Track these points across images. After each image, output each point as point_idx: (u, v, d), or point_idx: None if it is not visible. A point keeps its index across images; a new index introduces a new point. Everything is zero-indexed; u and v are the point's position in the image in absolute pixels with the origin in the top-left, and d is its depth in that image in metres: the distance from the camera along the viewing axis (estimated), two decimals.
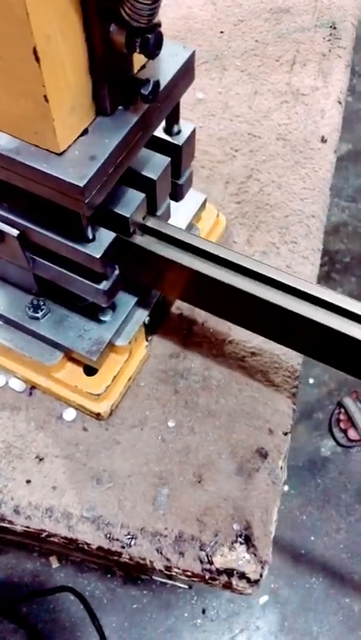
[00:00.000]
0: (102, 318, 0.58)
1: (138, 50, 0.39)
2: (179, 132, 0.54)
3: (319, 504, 1.62)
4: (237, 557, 0.54)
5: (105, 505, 0.55)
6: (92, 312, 0.58)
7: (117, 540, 0.54)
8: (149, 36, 0.38)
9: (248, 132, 0.80)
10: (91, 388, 0.58)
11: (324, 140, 0.79)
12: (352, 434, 1.65)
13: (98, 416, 0.59)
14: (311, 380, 1.78)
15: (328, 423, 1.71)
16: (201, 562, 0.54)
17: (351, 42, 0.90)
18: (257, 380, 0.62)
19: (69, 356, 0.59)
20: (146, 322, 0.61)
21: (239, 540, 0.54)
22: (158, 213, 0.55)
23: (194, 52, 0.47)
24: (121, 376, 0.60)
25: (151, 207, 0.54)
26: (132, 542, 0.54)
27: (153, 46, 0.38)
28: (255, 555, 0.54)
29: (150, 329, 0.63)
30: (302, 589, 1.52)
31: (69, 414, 0.59)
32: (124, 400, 0.60)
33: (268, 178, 0.75)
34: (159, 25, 0.38)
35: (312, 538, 1.57)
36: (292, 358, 0.64)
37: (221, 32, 0.90)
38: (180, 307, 0.66)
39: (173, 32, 0.90)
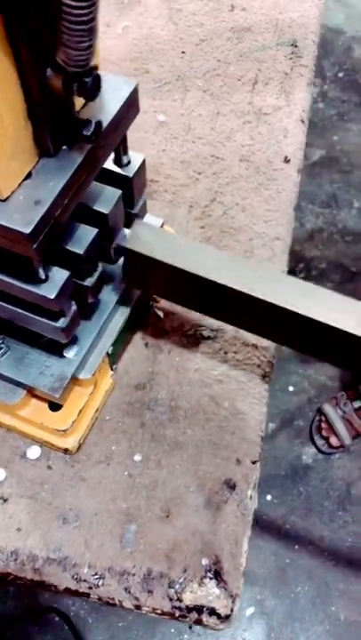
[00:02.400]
0: (65, 354, 0.57)
1: (76, 93, 0.39)
2: (128, 162, 0.53)
3: (302, 512, 1.62)
4: (207, 593, 0.53)
5: (71, 545, 0.54)
6: (54, 347, 0.57)
7: (85, 580, 0.53)
8: (87, 79, 0.38)
9: (211, 155, 0.79)
10: (57, 424, 0.57)
11: (287, 161, 0.79)
12: (334, 441, 1.66)
13: (66, 451, 0.59)
14: (291, 388, 1.79)
15: (309, 430, 1.72)
16: (170, 599, 0.53)
17: (313, 59, 0.90)
18: (224, 409, 0.62)
19: (33, 392, 0.58)
20: (109, 352, 0.60)
21: (208, 575, 0.54)
22: (114, 246, 0.54)
23: (137, 86, 0.47)
24: (87, 409, 0.60)
25: (106, 240, 0.53)
26: (100, 582, 0.53)
27: (91, 90, 0.38)
28: (225, 589, 0.54)
29: (115, 357, 0.62)
30: (288, 599, 1.52)
31: (33, 452, 0.59)
32: (90, 435, 0.60)
33: (231, 200, 0.75)
34: (96, 68, 0.38)
35: (296, 547, 1.58)
36: (258, 384, 0.64)
37: (183, 52, 0.90)
38: (144, 336, 0.66)
39: (135, 53, 0.89)
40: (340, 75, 2.37)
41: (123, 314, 0.61)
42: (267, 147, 0.80)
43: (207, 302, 0.55)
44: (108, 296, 0.60)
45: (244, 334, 0.66)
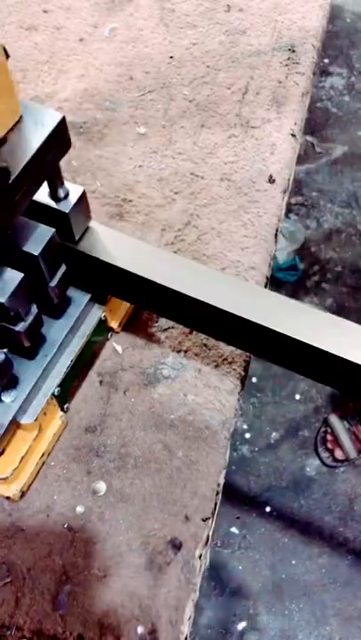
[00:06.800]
0: (3, 398, 0.53)
1: None
2: (66, 195, 0.49)
3: (302, 526, 1.58)
4: None
5: (1, 603, 0.51)
6: None
7: None
8: None
9: (191, 172, 0.74)
10: None
11: (272, 180, 0.73)
12: (339, 454, 1.60)
13: (8, 499, 0.55)
14: (298, 396, 1.73)
15: (314, 442, 1.66)
16: None
17: (311, 67, 0.84)
18: (177, 458, 0.57)
19: None
20: (56, 393, 0.56)
21: None
22: (52, 284, 0.50)
23: (63, 119, 0.42)
24: (31, 455, 0.56)
25: (41, 282, 0.49)
26: None
27: None
28: None
29: (65, 397, 0.58)
30: (282, 616, 1.49)
31: None
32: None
33: (207, 224, 0.70)
34: None
35: (293, 562, 1.53)
36: (218, 432, 0.59)
37: (171, 57, 0.84)
38: (100, 372, 0.62)
39: (121, 57, 0.84)
40: None
41: (72, 352, 0.57)
42: (251, 164, 0.75)
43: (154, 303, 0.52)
44: (55, 332, 0.56)
45: (207, 375, 0.61)
